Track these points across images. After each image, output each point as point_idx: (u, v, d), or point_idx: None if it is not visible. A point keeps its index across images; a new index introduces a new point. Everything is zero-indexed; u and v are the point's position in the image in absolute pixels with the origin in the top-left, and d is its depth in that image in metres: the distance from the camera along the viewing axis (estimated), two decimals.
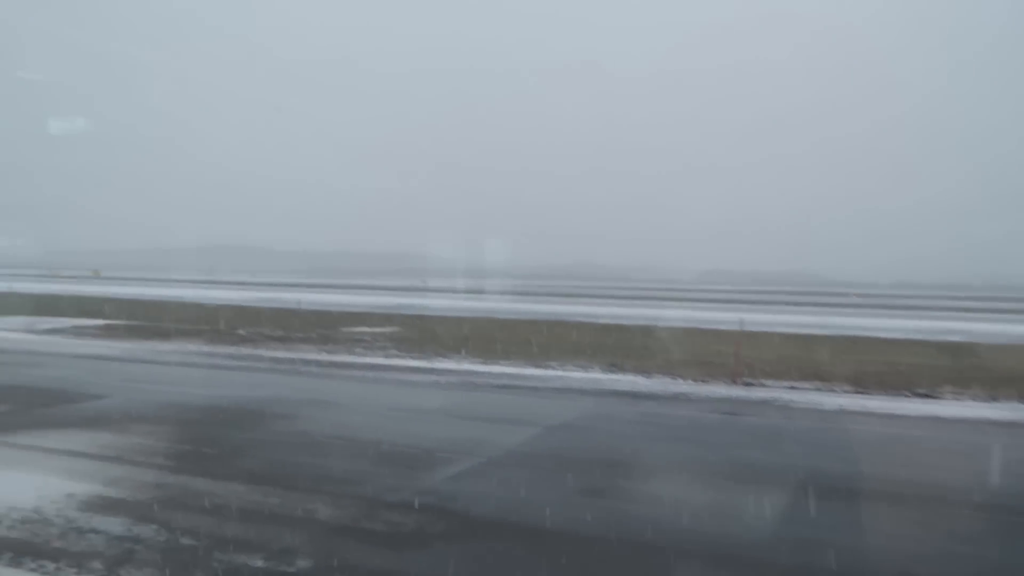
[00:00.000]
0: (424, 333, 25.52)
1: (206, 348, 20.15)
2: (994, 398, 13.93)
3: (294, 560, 5.56)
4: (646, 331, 28.30)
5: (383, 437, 9.82)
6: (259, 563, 5.49)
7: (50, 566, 5.35)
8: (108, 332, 23.75)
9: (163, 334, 23.13)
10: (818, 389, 14.87)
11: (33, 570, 5.27)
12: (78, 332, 23.61)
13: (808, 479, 8.31)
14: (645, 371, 16.86)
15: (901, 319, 39.79)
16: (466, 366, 17.46)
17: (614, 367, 17.42)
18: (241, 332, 24.21)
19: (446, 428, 10.77)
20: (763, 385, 15.23)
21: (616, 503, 7.31)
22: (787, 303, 64.35)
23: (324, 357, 18.72)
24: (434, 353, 19.50)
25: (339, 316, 33.98)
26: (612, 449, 9.67)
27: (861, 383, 15.24)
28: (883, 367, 17.42)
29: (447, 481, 7.83)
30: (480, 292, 74.65)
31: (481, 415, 11.91)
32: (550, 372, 16.75)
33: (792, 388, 14.95)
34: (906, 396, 14.21)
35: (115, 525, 6.21)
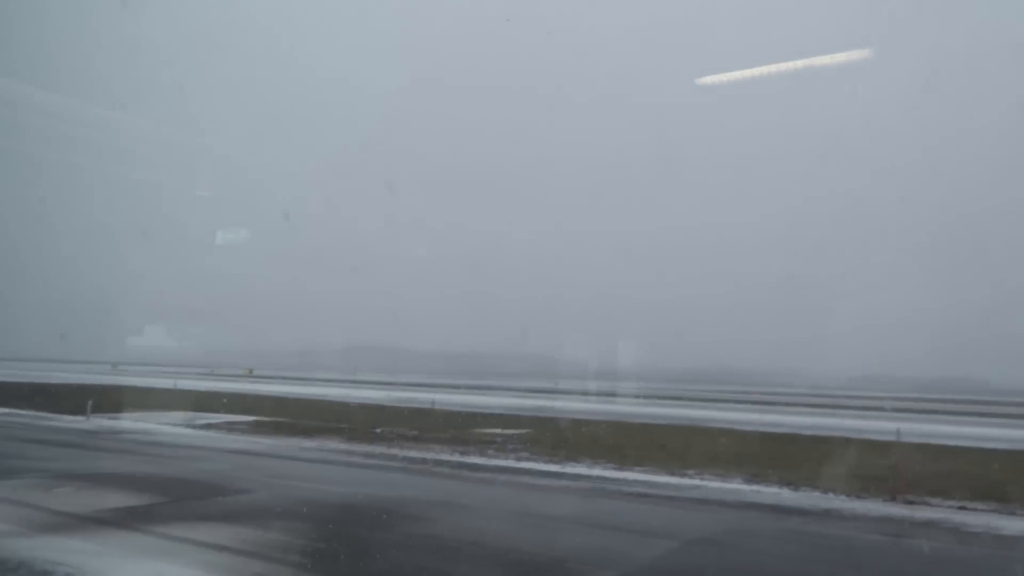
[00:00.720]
0: (556, 436, 25.16)
1: (344, 446, 20.73)
2: None
3: None
4: (791, 440, 26.60)
5: (513, 544, 9.54)
6: None
7: None
8: (256, 428, 25.01)
9: (306, 431, 24.08)
10: (995, 511, 13.24)
11: None
12: (230, 428, 25.00)
13: None
14: (791, 483, 15.69)
15: None
16: (598, 471, 16.93)
17: (756, 477, 16.34)
18: (378, 431, 24.81)
19: (578, 537, 10.34)
20: (928, 504, 13.75)
21: None
22: (952, 412, 59.02)
23: (456, 458, 18.75)
24: (566, 457, 19.10)
25: (472, 417, 34.25)
26: (758, 570, 8.90)
27: None
28: None
29: None
30: (613, 395, 73.46)
31: (615, 524, 11.37)
32: (687, 481, 15.92)
33: (962, 508, 13.40)
34: None
35: None
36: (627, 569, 8.51)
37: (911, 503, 13.78)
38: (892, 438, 18.24)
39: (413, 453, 19.50)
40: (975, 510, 13.28)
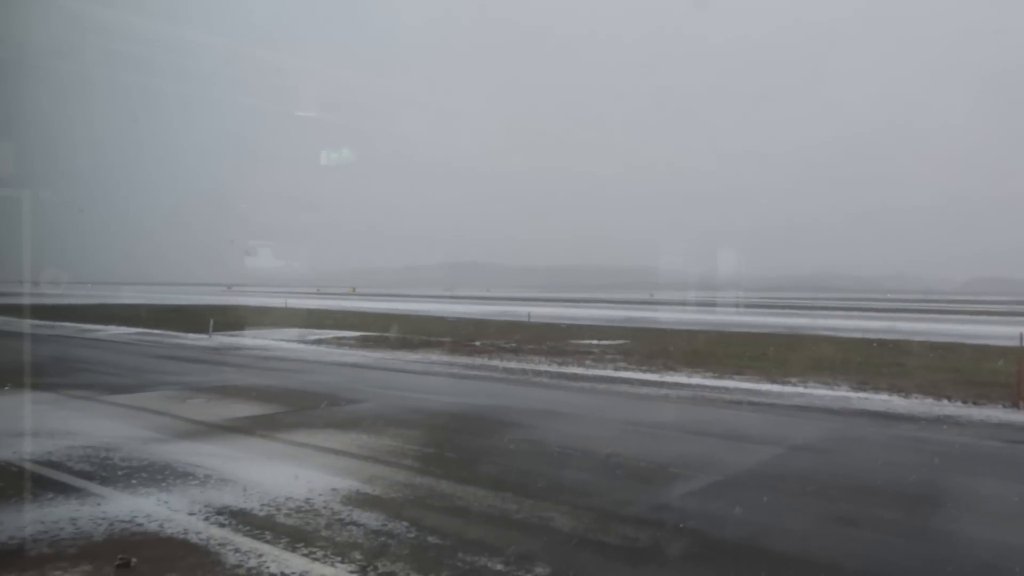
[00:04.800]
0: (654, 346, 25.16)
1: (446, 358, 21.44)
2: None
3: (532, 566, 5.65)
4: (901, 347, 25.64)
5: (615, 450, 9.75)
6: (499, 566, 5.65)
7: (319, 553, 5.90)
8: (363, 343, 26.14)
9: (410, 345, 25.00)
10: None
11: (305, 555, 5.85)
12: (339, 343, 26.24)
13: None
14: (902, 390, 15.23)
15: None
16: (697, 380, 16.91)
17: (864, 385, 15.93)
18: (478, 343, 25.48)
19: (679, 443, 10.47)
20: None
21: (874, 535, 6.60)
22: None
23: (554, 368, 19.10)
24: (664, 367, 19.13)
25: (568, 329, 34.61)
26: (866, 475, 8.79)
27: None
28: None
29: (683, 498, 7.58)
30: (712, 305, 72.32)
31: (715, 431, 11.42)
32: (790, 389, 15.71)
33: None
34: None
35: (372, 520, 6.74)
36: (731, 473, 8.58)
37: None
38: (1014, 343, 17.28)
39: (512, 364, 19.98)
40: None
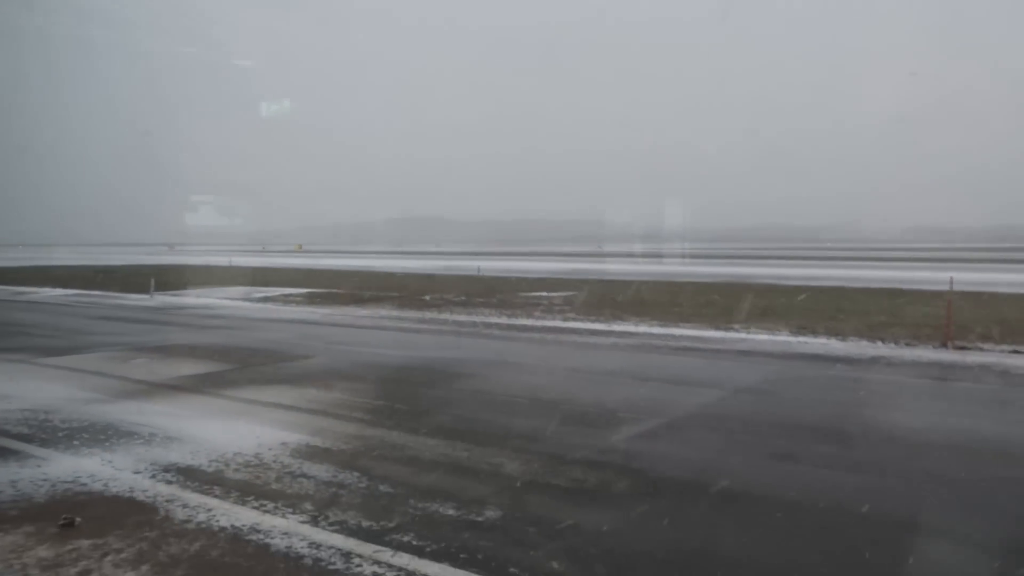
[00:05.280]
0: (602, 297, 25.47)
1: (396, 313, 21.37)
2: None
3: (483, 510, 5.75)
4: (839, 292, 26.48)
5: (564, 397, 9.92)
6: (451, 511, 5.73)
7: (269, 505, 5.90)
8: (311, 300, 25.84)
9: (358, 301, 24.82)
10: None
11: (255, 508, 5.84)
12: (286, 300, 25.89)
13: None
14: (839, 333, 15.78)
15: None
16: (644, 328, 17.22)
17: (804, 329, 16.45)
18: (427, 298, 25.43)
19: (626, 389, 10.69)
20: (980, 349, 13.75)
21: (810, 468, 6.90)
22: (1006, 260, 57.63)
23: (504, 320, 19.21)
24: (612, 316, 19.41)
25: (518, 282, 34.76)
26: (803, 413, 9.15)
27: None
28: None
29: (630, 440, 7.78)
30: (658, 256, 73.30)
31: (662, 377, 11.70)
32: (733, 335, 16.13)
33: (1015, 352, 13.37)
34: None
35: (322, 471, 6.75)
36: (676, 416, 8.83)
37: (962, 349, 13.80)
38: (945, 287, 18.00)
39: (462, 317, 20.03)
40: None
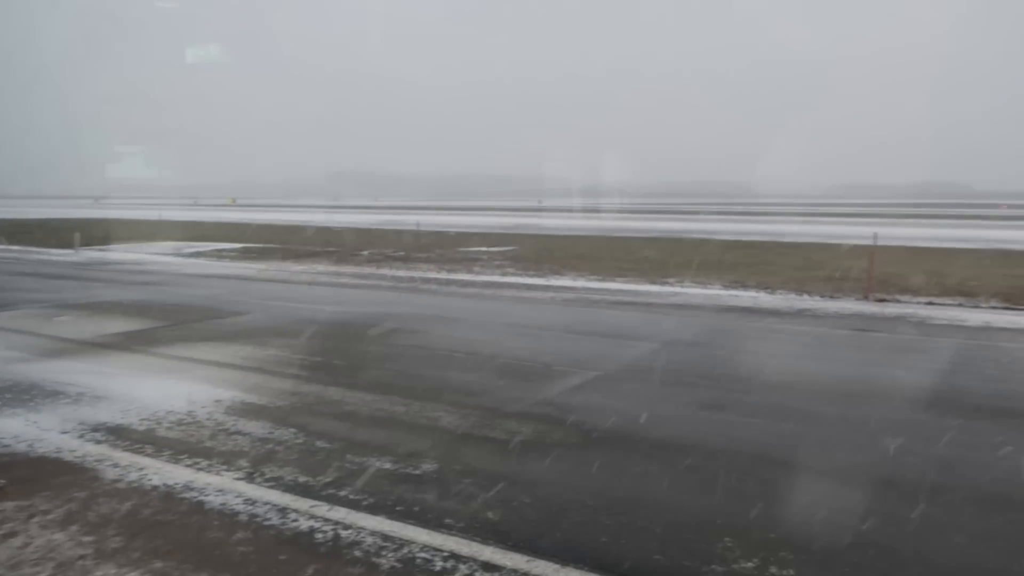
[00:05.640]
0: (540, 252, 25.63)
1: (333, 268, 21.11)
2: None
3: (420, 463, 5.84)
4: (769, 247, 27.25)
5: (501, 351, 10.04)
6: (388, 465, 5.80)
7: (203, 463, 5.86)
8: (245, 255, 25.28)
9: (294, 256, 24.40)
10: (960, 305, 13.92)
11: (189, 466, 5.80)
12: (219, 255, 25.27)
13: (943, 396, 7.87)
14: (768, 287, 16.30)
15: None
16: (582, 283, 17.45)
17: (735, 283, 16.93)
18: (365, 253, 25.17)
19: (562, 343, 10.88)
20: (898, 301, 14.41)
21: (737, 417, 7.19)
22: (926, 216, 59.99)
23: (443, 276, 19.20)
24: (550, 271, 19.59)
25: (457, 237, 34.66)
26: (732, 364, 9.49)
27: (1011, 298, 14.13)
28: None
29: (564, 393, 7.95)
30: (596, 211, 73.88)
31: (597, 331, 11.92)
32: (668, 289, 16.49)
33: (931, 304, 14.07)
34: None
35: (258, 428, 6.72)
36: (610, 368, 9.04)
37: (882, 301, 14.43)
38: (869, 242, 18.72)
39: (401, 272, 19.93)
40: (943, 305, 13.95)
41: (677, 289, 16.42)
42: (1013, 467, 5.85)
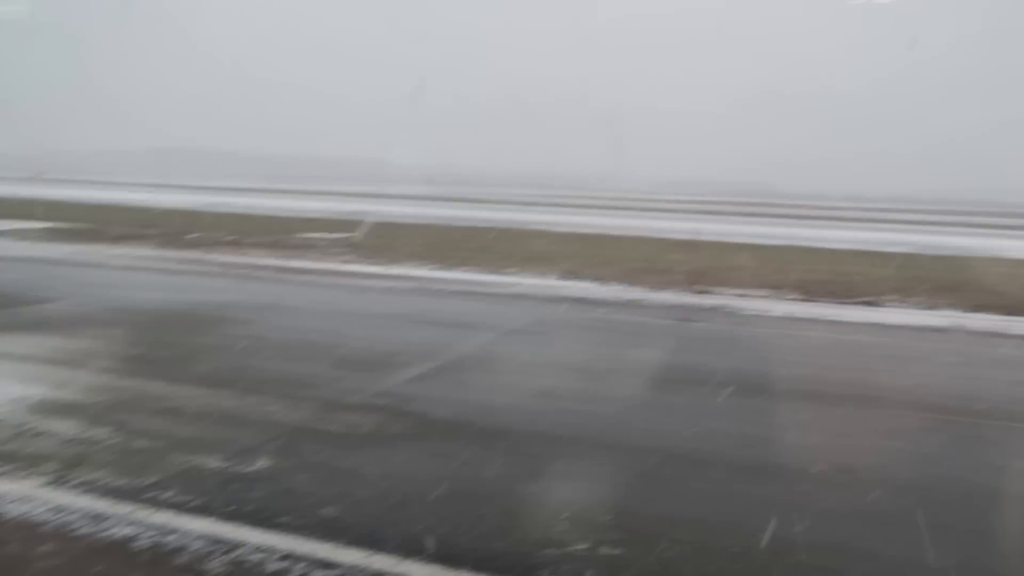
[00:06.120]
0: (381, 239, 25.29)
1: (155, 252, 19.71)
2: (933, 306, 14.47)
3: (253, 460, 5.63)
4: (601, 239, 28.49)
5: (339, 341, 9.84)
6: (217, 463, 5.54)
7: (4, 468, 5.32)
8: (54, 235, 23.01)
9: (111, 238, 22.52)
10: (767, 297, 15.26)
11: None
12: (22, 235, 22.83)
13: (751, 379, 8.63)
14: (601, 279, 17.06)
15: (851, 231, 40.67)
16: (423, 272, 17.43)
17: (570, 274, 17.57)
18: (191, 236, 23.70)
19: (402, 333, 10.83)
20: (715, 293, 15.56)
21: (568, 404, 7.50)
22: (740, 213, 65.00)
23: (277, 262, 18.49)
24: (390, 260, 19.40)
25: (292, 221, 33.41)
26: (565, 353, 9.88)
27: (809, 291, 15.66)
28: (831, 276, 17.89)
29: (404, 384, 7.93)
30: (442, 199, 73.90)
31: (437, 320, 11.98)
32: (507, 279, 16.84)
33: (742, 296, 15.31)
34: (851, 304, 14.68)
35: (67, 428, 6.19)
36: (449, 358, 9.12)
37: (702, 292, 15.52)
38: (692, 237, 20.05)
39: (231, 258, 18.96)
40: (752, 296, 15.23)
41: (516, 279, 16.80)
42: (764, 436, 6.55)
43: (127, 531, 4.47)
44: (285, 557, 4.24)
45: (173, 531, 4.49)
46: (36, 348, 8.87)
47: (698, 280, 16.26)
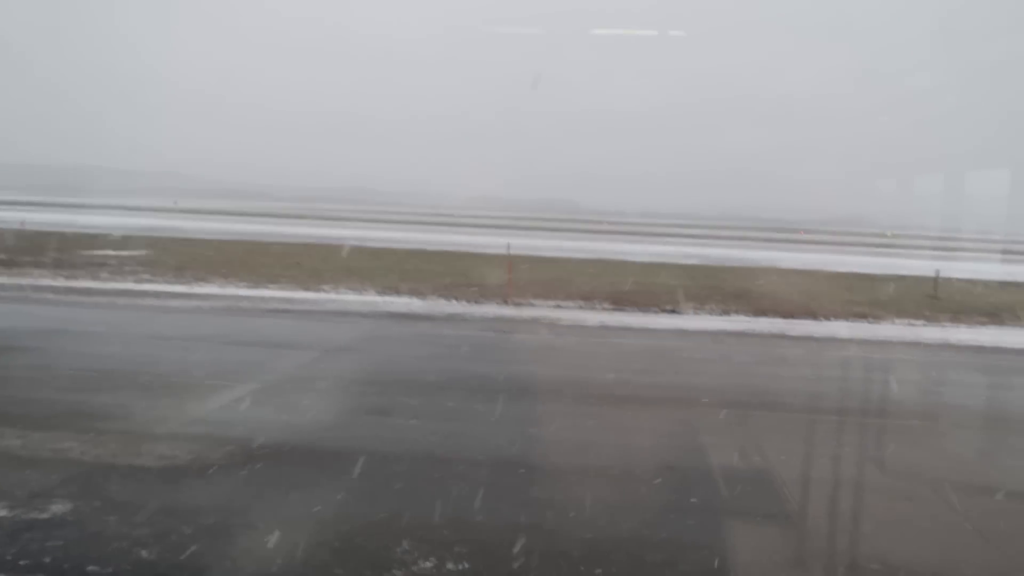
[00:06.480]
0: (181, 256, 23.55)
1: None
2: (726, 312, 15.88)
3: (47, 505, 4.98)
4: (416, 255, 28.45)
5: (144, 368, 9.01)
6: (2, 512, 4.85)
7: None
8: None
9: None
10: (581, 307, 15.97)
11: None
12: None
13: (572, 385, 8.98)
14: (420, 293, 17.00)
15: (648, 244, 43.75)
16: (232, 291, 16.45)
17: (389, 290, 17.36)
18: None
19: (215, 355, 10.14)
20: (532, 305, 16.04)
21: (401, 420, 7.36)
22: (549, 229, 67.76)
23: (61, 283, 16.65)
24: (193, 278, 18.12)
25: (76, 238, 30.26)
26: (392, 369, 9.72)
27: (618, 301, 16.59)
28: (636, 287, 19.08)
29: (221, 409, 7.41)
30: (244, 214, 70.35)
31: (253, 340, 11.34)
32: (323, 296, 16.32)
33: (559, 307, 15.91)
34: (656, 312, 15.74)
35: None
36: (269, 380, 8.65)
37: (519, 305, 15.94)
38: (504, 251, 20.54)
39: (4, 279, 16.82)
40: (568, 308, 15.86)
41: (333, 296, 16.32)
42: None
43: None
44: None
45: None
46: None
47: (515, 293, 16.69)
